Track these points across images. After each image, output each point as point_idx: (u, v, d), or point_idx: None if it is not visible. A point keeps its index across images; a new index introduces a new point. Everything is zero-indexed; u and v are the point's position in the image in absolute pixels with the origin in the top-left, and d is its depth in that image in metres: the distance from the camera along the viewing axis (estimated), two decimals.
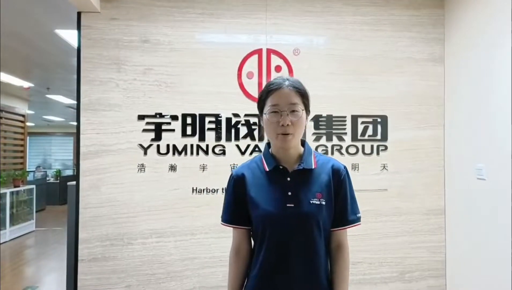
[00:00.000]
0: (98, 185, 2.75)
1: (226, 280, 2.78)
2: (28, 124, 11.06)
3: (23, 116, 8.05)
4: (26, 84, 6.61)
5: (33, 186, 7.91)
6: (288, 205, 1.33)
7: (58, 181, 11.04)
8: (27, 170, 10.38)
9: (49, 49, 4.63)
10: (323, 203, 1.33)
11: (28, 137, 12.64)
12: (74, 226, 2.75)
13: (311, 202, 1.33)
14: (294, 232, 1.33)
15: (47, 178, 11.02)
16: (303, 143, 1.44)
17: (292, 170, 1.37)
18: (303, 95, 1.37)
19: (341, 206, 1.38)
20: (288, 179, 1.36)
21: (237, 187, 1.42)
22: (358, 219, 1.41)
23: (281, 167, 1.38)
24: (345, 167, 1.42)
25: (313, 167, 1.38)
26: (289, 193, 1.34)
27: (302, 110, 1.35)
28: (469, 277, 2.67)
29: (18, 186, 7.33)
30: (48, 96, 7.81)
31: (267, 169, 1.39)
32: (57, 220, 8.40)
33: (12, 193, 6.98)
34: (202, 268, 2.81)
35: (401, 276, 2.94)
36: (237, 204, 1.42)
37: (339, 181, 1.38)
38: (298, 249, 1.33)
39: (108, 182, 2.76)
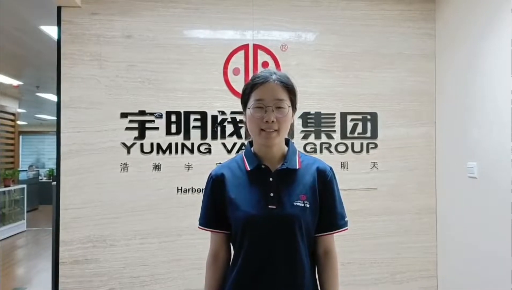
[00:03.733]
0: (79, 185, 2.67)
1: None
2: (20, 123, 10.97)
3: (13, 114, 7.95)
4: (15, 82, 6.51)
5: (24, 186, 7.81)
6: (270, 206, 1.25)
7: (51, 180, 10.93)
8: (20, 169, 10.29)
9: (36, 46, 4.53)
10: (307, 205, 1.25)
11: (21, 136, 12.60)
12: (55, 227, 2.67)
13: (295, 204, 1.25)
14: (276, 235, 1.25)
15: (40, 177, 10.91)
16: (287, 142, 1.36)
17: (274, 170, 1.30)
18: (290, 91, 1.28)
19: (329, 209, 1.30)
20: (271, 179, 1.28)
21: (215, 188, 1.33)
22: (346, 224, 1.33)
23: (263, 166, 1.30)
24: (331, 168, 1.34)
25: (297, 167, 1.30)
26: (271, 194, 1.26)
27: (289, 106, 1.27)
28: (461, 277, 2.62)
29: (9, 186, 7.24)
30: (38, 94, 7.71)
31: (249, 169, 1.31)
32: (49, 220, 8.25)
33: (3, 193, 6.88)
34: (188, 270, 2.74)
35: (392, 277, 2.88)
36: (216, 207, 1.33)
37: (325, 183, 1.30)
38: (280, 254, 1.25)
39: (90, 182, 2.68)
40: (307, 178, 1.29)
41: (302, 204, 1.25)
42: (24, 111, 10.08)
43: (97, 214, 2.68)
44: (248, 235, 1.26)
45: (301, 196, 1.26)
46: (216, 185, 1.33)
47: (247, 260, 1.26)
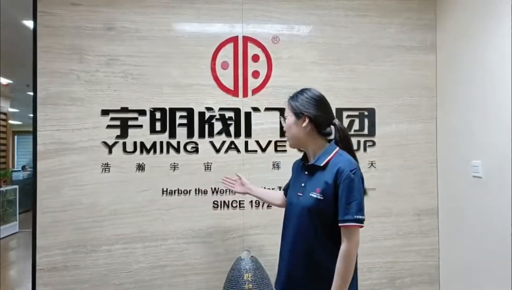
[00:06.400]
0: (58, 187, 2.52)
1: (199, 289, 2.59)
2: (14, 122, 10.84)
3: (5, 114, 7.81)
4: (4, 80, 6.37)
5: (16, 187, 7.65)
6: (298, 193, 1.61)
7: None
8: (14, 169, 10.13)
9: (21, 43, 4.38)
10: (320, 198, 1.50)
11: (16, 137, 12.46)
12: (32, 232, 2.51)
13: (310, 195, 1.54)
14: (297, 216, 1.58)
15: None
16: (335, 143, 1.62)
17: (307, 165, 1.63)
18: (291, 102, 1.63)
19: (339, 205, 1.48)
20: (306, 172, 1.63)
21: (292, 171, 1.81)
22: (347, 221, 1.45)
23: (302, 162, 1.70)
24: (352, 170, 1.49)
25: (321, 165, 1.55)
26: (302, 184, 1.61)
27: (289, 116, 1.63)
28: (465, 283, 2.48)
29: (0, 187, 7.09)
30: (30, 93, 7.56)
31: (299, 162, 1.74)
32: None
33: None
34: (173, 276, 2.60)
35: (391, 283, 2.74)
36: (289, 183, 1.83)
37: (339, 182, 1.49)
38: (297, 230, 1.58)
39: (69, 183, 2.53)
40: (327, 175, 1.51)
41: (315, 196, 1.52)
42: (17, 110, 9.92)
43: (77, 217, 2.53)
44: (286, 211, 1.72)
45: (316, 189, 1.52)
46: (292, 170, 1.81)
47: (283, 228, 1.70)
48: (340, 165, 1.50)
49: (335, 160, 1.53)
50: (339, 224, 1.47)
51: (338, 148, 1.58)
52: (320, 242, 1.53)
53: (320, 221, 1.52)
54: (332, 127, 1.61)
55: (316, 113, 1.58)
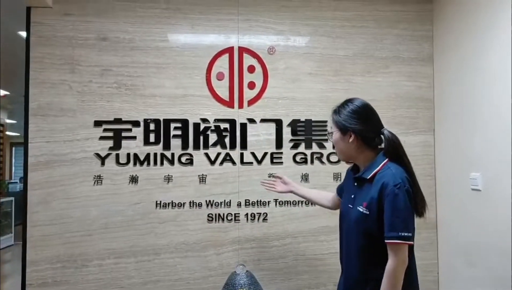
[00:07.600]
0: (48, 200, 2.46)
1: None
2: (12, 134, 10.79)
3: (2, 125, 7.77)
4: (1, 92, 6.33)
5: (12, 198, 7.57)
6: (349, 205, 1.60)
7: None
8: (12, 181, 10.05)
9: (18, 54, 4.35)
10: (366, 212, 1.47)
11: (13, 148, 12.39)
12: (22, 246, 2.45)
13: (358, 208, 1.51)
14: (345, 228, 1.62)
15: None
16: (387, 157, 1.53)
17: (355, 177, 1.60)
18: (335, 116, 1.59)
19: (384, 220, 1.43)
20: (355, 183, 1.60)
21: (344, 178, 1.80)
22: (391, 238, 1.40)
23: (352, 172, 1.67)
24: (396, 185, 1.42)
25: (367, 177, 1.51)
26: (352, 196, 1.59)
27: (335, 132, 1.59)
28: None
29: None
30: None
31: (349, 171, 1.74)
32: None
33: None
34: None
35: None
36: (341, 187, 1.82)
37: (383, 197, 1.43)
38: (346, 242, 1.62)
39: (60, 196, 2.47)
40: (373, 189, 1.46)
41: (362, 210, 1.49)
42: (15, 122, 9.88)
43: (67, 231, 2.47)
44: (340, 218, 1.71)
45: (363, 203, 1.49)
46: (345, 176, 1.79)
47: (339, 236, 1.71)
48: (385, 179, 1.44)
49: (382, 174, 1.47)
50: (385, 241, 1.41)
51: (387, 159, 1.50)
52: (368, 256, 1.50)
53: (367, 235, 1.48)
54: (382, 136, 1.53)
55: (362, 127, 1.51)
